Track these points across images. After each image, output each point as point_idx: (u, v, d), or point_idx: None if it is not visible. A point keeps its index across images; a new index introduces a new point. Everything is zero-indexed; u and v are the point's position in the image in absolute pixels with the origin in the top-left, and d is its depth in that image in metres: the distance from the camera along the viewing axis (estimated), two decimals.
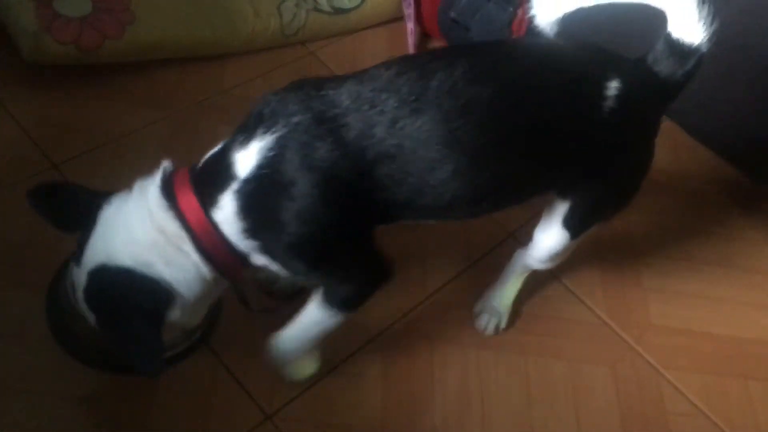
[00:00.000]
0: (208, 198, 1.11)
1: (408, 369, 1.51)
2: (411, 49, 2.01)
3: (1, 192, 1.59)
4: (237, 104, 1.87)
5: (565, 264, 1.51)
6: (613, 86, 1.19)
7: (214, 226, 1.11)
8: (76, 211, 1.16)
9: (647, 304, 1.73)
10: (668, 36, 1.22)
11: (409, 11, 2.02)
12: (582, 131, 1.21)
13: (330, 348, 1.40)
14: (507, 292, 1.58)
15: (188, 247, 1.12)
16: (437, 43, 2.13)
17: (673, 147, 2.04)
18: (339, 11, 2.01)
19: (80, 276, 1.16)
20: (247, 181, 1.08)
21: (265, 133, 1.09)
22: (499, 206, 1.29)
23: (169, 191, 1.12)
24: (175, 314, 1.15)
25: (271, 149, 1.08)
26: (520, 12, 2.04)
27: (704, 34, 1.20)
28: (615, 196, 1.35)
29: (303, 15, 1.97)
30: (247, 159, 1.09)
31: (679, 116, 1.95)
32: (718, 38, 1.19)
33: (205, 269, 1.14)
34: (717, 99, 1.79)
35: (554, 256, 1.42)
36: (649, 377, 1.61)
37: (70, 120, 1.75)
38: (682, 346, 1.67)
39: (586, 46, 1.27)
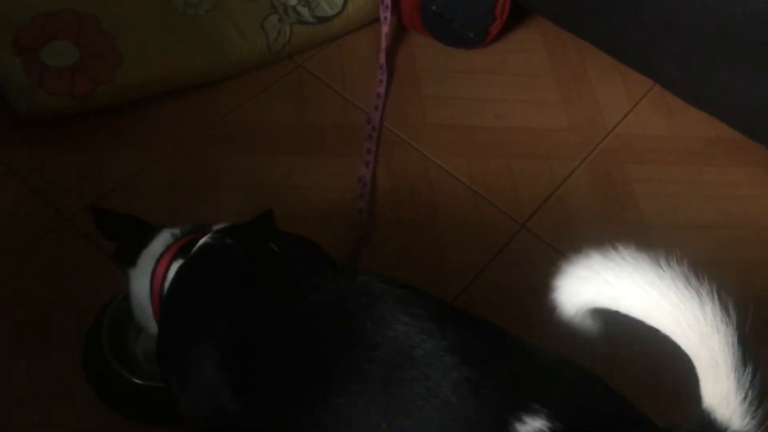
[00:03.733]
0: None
1: None
2: (383, 55, 2.01)
3: (19, 255, 1.59)
4: (235, 129, 1.88)
5: None
6: (535, 425, 0.86)
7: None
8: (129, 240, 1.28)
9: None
10: (701, 405, 0.84)
11: (386, 14, 2.02)
12: None
13: None
14: None
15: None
16: (418, 39, 2.12)
17: (666, 111, 2.07)
18: (322, 20, 2.00)
19: None
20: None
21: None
22: None
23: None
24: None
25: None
26: None
27: (744, 416, 0.79)
28: None
29: (287, 29, 1.96)
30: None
31: (673, 85, 1.98)
32: None
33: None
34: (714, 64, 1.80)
35: None
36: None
37: (75, 170, 1.74)
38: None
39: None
